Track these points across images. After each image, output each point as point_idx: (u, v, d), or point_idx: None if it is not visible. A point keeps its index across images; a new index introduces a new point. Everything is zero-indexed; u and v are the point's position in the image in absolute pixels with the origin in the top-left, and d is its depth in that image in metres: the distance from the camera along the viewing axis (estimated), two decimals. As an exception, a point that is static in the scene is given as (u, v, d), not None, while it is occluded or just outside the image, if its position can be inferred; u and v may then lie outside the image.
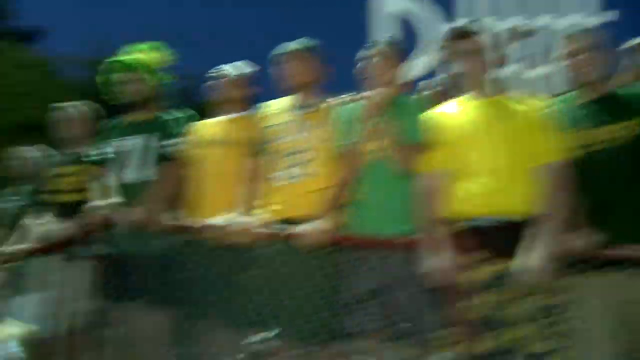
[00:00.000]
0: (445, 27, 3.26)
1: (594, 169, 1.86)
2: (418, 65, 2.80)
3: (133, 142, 2.62)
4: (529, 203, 1.80)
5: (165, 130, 2.61)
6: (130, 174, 2.59)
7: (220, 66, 2.65)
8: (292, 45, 2.37)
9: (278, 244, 2.19)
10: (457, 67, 1.98)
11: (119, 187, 2.61)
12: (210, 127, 2.61)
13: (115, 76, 2.68)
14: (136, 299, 2.45)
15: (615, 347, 1.78)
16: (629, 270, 1.77)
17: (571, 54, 1.94)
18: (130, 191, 2.55)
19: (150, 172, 2.56)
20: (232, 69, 2.64)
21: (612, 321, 1.78)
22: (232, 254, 2.28)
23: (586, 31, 2.03)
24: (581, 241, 1.79)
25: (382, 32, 3.46)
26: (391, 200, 2.08)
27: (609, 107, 1.90)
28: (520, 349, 1.71)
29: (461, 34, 1.97)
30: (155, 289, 2.41)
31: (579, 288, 1.80)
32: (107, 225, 2.51)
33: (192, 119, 2.67)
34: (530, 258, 1.71)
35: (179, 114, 2.69)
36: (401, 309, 2.01)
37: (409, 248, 1.97)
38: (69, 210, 2.82)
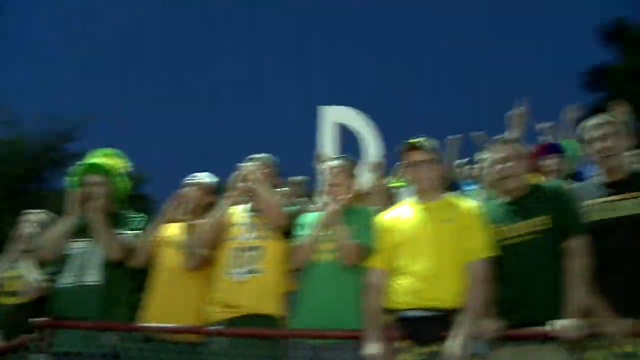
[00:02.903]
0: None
1: (507, 262, 2.12)
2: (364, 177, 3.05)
3: (79, 246, 2.67)
4: (458, 295, 2.04)
5: (126, 225, 2.73)
6: (67, 279, 2.60)
7: (195, 174, 2.85)
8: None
9: (222, 341, 2.31)
10: (409, 175, 2.32)
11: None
12: (171, 229, 2.74)
13: (86, 178, 2.74)
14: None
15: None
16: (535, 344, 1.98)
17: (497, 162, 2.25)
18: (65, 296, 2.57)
19: (91, 277, 2.59)
20: (206, 177, 2.86)
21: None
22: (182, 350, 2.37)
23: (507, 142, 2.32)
24: (492, 325, 2.02)
25: (329, 141, 3.68)
26: (342, 296, 2.27)
27: (521, 207, 2.18)
28: None
29: (413, 147, 2.28)
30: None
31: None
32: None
33: (147, 220, 2.80)
34: (454, 342, 1.94)
35: (136, 214, 2.83)
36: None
37: (358, 340, 2.13)
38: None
